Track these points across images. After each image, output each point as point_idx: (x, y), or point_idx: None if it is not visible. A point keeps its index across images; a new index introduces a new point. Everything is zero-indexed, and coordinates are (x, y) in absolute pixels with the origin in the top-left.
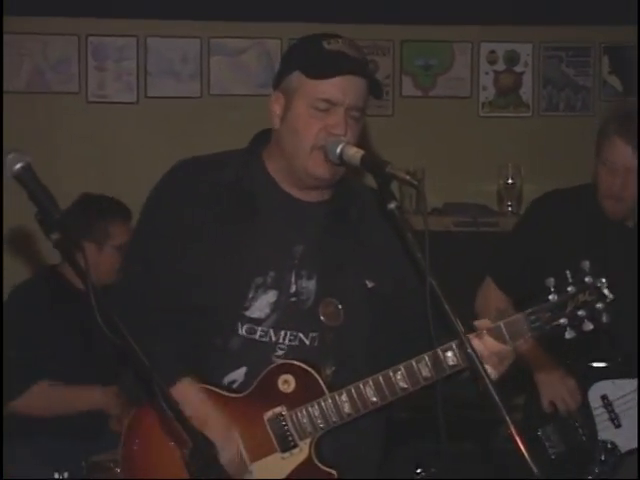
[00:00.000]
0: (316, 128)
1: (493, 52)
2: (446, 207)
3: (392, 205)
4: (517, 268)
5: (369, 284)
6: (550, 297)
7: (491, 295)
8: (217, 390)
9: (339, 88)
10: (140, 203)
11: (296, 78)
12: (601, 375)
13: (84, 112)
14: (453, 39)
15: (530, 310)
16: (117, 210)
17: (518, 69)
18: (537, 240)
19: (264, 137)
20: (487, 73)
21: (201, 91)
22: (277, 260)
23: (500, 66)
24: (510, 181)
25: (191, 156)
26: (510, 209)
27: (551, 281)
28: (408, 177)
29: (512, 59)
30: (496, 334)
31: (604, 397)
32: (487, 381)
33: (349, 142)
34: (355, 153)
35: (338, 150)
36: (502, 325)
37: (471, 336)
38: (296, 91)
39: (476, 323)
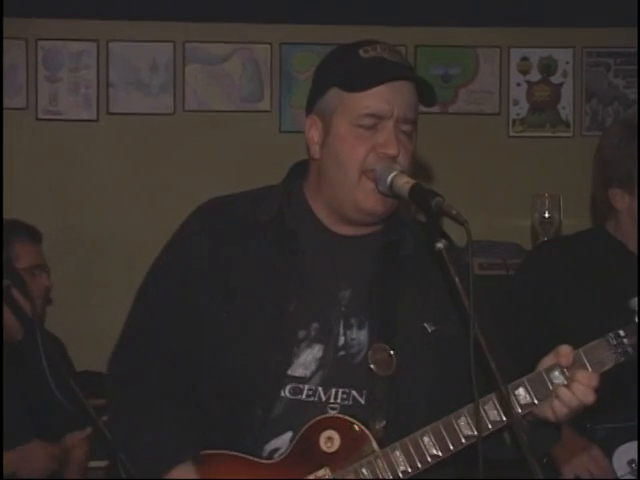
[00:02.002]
0: (363, 150)
1: (526, 59)
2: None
3: (440, 244)
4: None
5: (429, 328)
6: (637, 319)
7: None
8: (246, 457)
9: (384, 98)
10: (101, 237)
11: (333, 95)
12: (625, 437)
13: (33, 131)
14: (477, 43)
15: (613, 333)
16: (24, 231)
17: (556, 80)
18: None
19: (302, 169)
20: (519, 84)
21: (174, 107)
22: (322, 309)
23: (534, 76)
24: (547, 215)
25: (215, 197)
26: None
27: (635, 302)
28: (455, 212)
29: (548, 67)
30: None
31: (631, 462)
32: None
33: (403, 169)
34: (405, 184)
35: (389, 179)
36: (582, 353)
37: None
38: (335, 110)
39: (559, 349)
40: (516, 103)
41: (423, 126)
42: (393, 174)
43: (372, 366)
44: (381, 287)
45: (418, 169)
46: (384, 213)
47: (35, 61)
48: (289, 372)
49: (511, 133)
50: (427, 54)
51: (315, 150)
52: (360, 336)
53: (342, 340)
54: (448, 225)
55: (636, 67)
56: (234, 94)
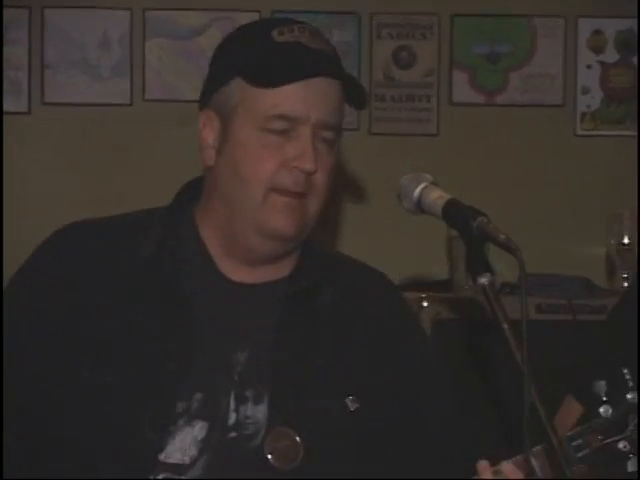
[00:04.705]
0: (272, 164)
1: (599, 33)
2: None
3: (484, 279)
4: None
5: (351, 405)
6: (601, 410)
7: (573, 419)
8: None
9: (300, 97)
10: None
11: (235, 88)
12: None
13: None
14: (534, 12)
15: (571, 433)
16: None
17: None
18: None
19: (197, 188)
20: (589, 67)
21: (131, 95)
22: (208, 376)
23: (610, 56)
24: (627, 240)
25: (82, 219)
26: (627, 284)
27: (601, 386)
28: (504, 237)
29: (628, 44)
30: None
31: None
32: None
33: (432, 180)
34: (438, 199)
35: (416, 193)
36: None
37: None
38: (236, 108)
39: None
40: (586, 91)
41: (464, 122)
42: (422, 186)
43: (270, 457)
44: (287, 350)
45: (458, 176)
46: (296, 237)
47: None
48: (162, 457)
49: (579, 131)
50: (467, 27)
51: (209, 155)
52: (257, 413)
53: (233, 417)
54: (493, 254)
55: None
56: None
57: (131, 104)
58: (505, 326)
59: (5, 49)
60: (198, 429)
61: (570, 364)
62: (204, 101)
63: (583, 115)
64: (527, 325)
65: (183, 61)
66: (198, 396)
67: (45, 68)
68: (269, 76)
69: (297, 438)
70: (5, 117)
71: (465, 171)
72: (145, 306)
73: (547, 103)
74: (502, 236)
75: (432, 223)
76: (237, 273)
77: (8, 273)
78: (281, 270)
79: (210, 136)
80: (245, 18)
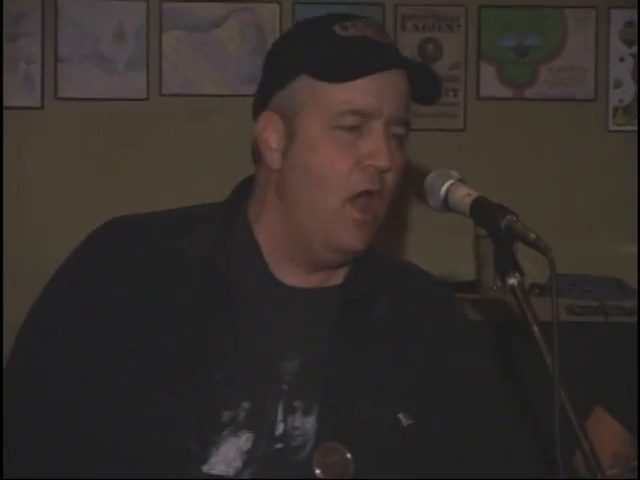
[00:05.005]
0: (347, 162)
1: (632, 24)
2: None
3: (513, 280)
4: None
5: (405, 421)
6: None
7: (604, 433)
8: None
9: (372, 91)
10: (50, 263)
11: (302, 86)
12: None
13: None
14: (564, 2)
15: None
16: None
17: None
18: None
19: (249, 186)
20: (622, 59)
21: (147, 90)
22: (255, 383)
23: None
24: None
25: (126, 214)
26: None
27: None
28: (534, 236)
29: None
30: None
31: None
32: None
33: (459, 177)
34: (465, 196)
35: (443, 190)
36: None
37: None
38: (303, 106)
39: None
40: (618, 85)
41: (492, 117)
42: (449, 183)
43: (318, 472)
44: (340, 361)
45: (486, 173)
46: (362, 251)
47: None
48: (205, 468)
49: (611, 126)
50: (494, 18)
51: (274, 159)
52: (306, 424)
53: (280, 428)
54: (522, 254)
55: None
56: (229, 72)
57: (147, 99)
58: (535, 328)
59: (17, 42)
60: (244, 440)
61: (602, 367)
62: (263, 103)
63: (615, 110)
64: (558, 327)
65: (200, 54)
66: (245, 405)
67: (58, 62)
68: (343, 70)
69: (348, 455)
70: (17, 112)
71: (493, 168)
72: (191, 310)
73: (578, 97)
74: (532, 235)
75: (459, 222)
76: (290, 277)
77: (9, 270)
78: (336, 276)
79: (272, 138)
80: (265, 9)
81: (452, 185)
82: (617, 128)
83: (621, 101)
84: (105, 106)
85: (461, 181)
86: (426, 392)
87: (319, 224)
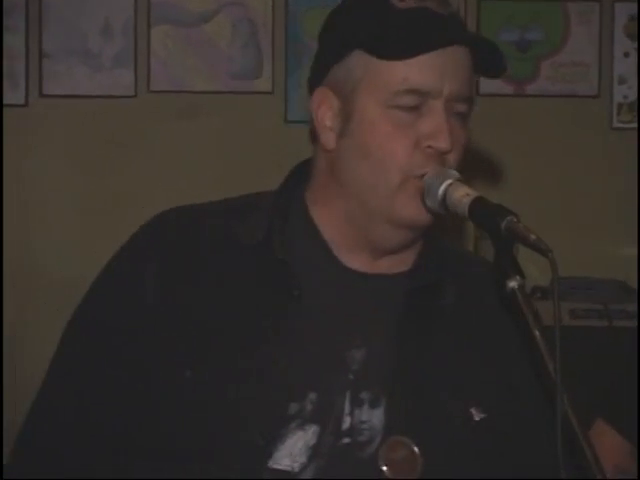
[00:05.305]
0: (407, 143)
1: (636, 18)
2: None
3: (513, 283)
4: None
5: (477, 415)
6: None
7: (605, 446)
8: None
9: (432, 68)
10: (34, 267)
11: (357, 62)
12: None
13: None
14: None
15: None
16: None
17: None
18: None
19: (305, 170)
20: (626, 55)
21: (135, 86)
22: (321, 375)
23: None
24: None
25: (176, 206)
26: None
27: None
28: (535, 237)
29: None
30: None
31: None
32: None
33: (458, 176)
34: (463, 197)
35: (441, 190)
36: None
37: None
38: (359, 83)
39: None
40: (623, 81)
41: (492, 113)
42: (447, 183)
43: (385, 468)
44: (408, 351)
45: (480, 174)
46: (426, 225)
47: None
48: (270, 463)
49: (615, 123)
50: (495, 12)
51: (328, 138)
52: (373, 418)
53: (347, 422)
54: (523, 255)
55: None
56: (220, 68)
57: (135, 96)
58: (536, 333)
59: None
60: (311, 434)
61: (605, 373)
62: (318, 78)
63: (620, 106)
64: (560, 331)
65: (190, 49)
66: (312, 396)
67: (43, 58)
68: (399, 46)
69: (415, 449)
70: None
71: (493, 166)
72: (251, 299)
73: (581, 93)
74: (533, 236)
75: (458, 223)
76: (355, 261)
77: (6, 269)
78: (402, 263)
79: (327, 117)
80: (257, 3)
81: (450, 185)
82: (621, 125)
83: (626, 97)
84: (92, 103)
85: (460, 181)
86: (496, 385)
87: (380, 200)
